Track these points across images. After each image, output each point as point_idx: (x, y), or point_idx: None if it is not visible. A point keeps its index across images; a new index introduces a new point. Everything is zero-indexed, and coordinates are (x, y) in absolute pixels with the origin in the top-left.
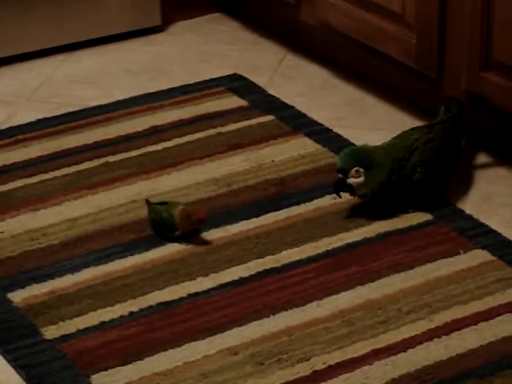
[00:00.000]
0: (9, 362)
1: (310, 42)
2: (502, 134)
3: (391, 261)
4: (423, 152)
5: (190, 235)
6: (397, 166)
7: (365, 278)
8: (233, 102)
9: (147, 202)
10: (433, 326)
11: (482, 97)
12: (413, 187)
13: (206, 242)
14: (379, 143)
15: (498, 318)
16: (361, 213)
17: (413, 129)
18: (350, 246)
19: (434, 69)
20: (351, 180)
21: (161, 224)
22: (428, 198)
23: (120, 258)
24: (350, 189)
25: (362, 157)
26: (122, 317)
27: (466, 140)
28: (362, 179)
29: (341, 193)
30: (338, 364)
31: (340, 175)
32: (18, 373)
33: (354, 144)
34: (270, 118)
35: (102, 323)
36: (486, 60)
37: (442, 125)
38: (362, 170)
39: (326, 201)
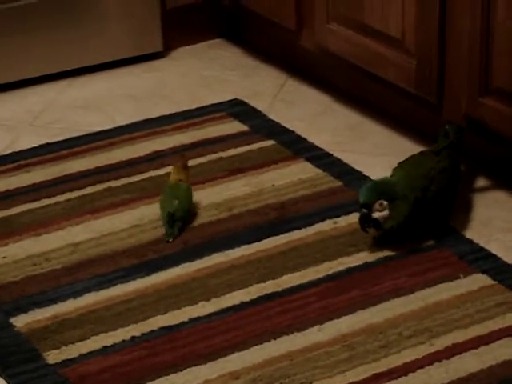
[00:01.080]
0: None
1: (310, 68)
2: (501, 158)
3: (392, 285)
4: (440, 181)
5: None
6: (419, 196)
7: (366, 302)
8: (234, 127)
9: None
10: (433, 350)
11: (481, 122)
12: (429, 215)
13: (208, 267)
14: (379, 167)
15: (499, 342)
16: (361, 237)
17: (421, 155)
18: (350, 271)
19: (433, 94)
20: (376, 214)
21: (172, 210)
22: (439, 224)
23: (122, 282)
24: (376, 223)
25: (385, 190)
26: (123, 341)
27: (466, 164)
28: (386, 212)
29: (367, 228)
30: None
31: (364, 210)
32: None
33: (353, 168)
34: (271, 142)
35: (104, 348)
36: (486, 86)
37: (447, 151)
38: (385, 202)
39: (327, 225)
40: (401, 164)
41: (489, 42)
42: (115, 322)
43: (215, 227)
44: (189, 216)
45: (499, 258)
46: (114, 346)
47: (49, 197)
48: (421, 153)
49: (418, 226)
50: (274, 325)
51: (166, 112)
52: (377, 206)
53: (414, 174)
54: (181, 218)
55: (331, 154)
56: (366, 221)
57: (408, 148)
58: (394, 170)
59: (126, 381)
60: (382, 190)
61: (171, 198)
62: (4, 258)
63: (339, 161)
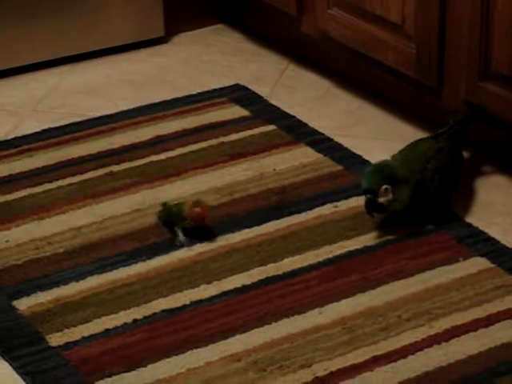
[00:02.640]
0: (14, 369)
1: (311, 53)
2: (500, 143)
3: (391, 268)
4: (437, 160)
5: (200, 236)
6: (419, 178)
7: (365, 285)
8: (235, 112)
9: (163, 204)
10: (433, 333)
11: (481, 106)
12: (429, 196)
13: (209, 250)
14: (379, 152)
15: (497, 325)
16: (361, 221)
17: (419, 140)
18: (351, 254)
19: (433, 79)
20: (381, 199)
21: (170, 216)
22: (441, 206)
23: (124, 266)
24: (381, 208)
25: (388, 174)
26: (125, 324)
27: (466, 149)
28: (390, 196)
29: (373, 213)
30: (339, 370)
31: (369, 195)
32: (23, 379)
33: (354, 153)
34: (272, 127)
35: (107, 330)
36: (485, 70)
37: (446, 135)
38: (389, 187)
39: (327, 209)
40: (401, 151)
41: (488, 27)
42: (117, 305)
43: (216, 211)
44: (167, 224)
45: (498, 242)
46: (116, 328)
47: (51, 181)
48: (419, 139)
49: (420, 208)
50: (275, 307)
51: (168, 97)
52: (382, 191)
53: (412, 156)
54: (159, 217)
55: (332, 139)
56: (372, 206)
57: (408, 132)
58: (393, 156)
59: (127, 363)
60: (385, 174)
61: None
62: (7, 241)
63: (340, 145)
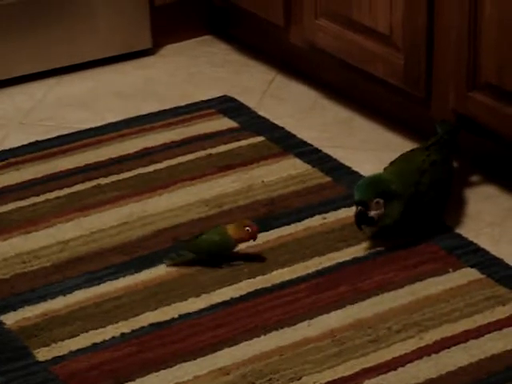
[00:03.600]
0: None
1: (299, 64)
2: (489, 153)
3: (381, 280)
4: (431, 174)
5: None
6: (412, 192)
7: (355, 297)
8: (223, 123)
9: (178, 241)
10: (423, 345)
11: (469, 116)
12: (423, 210)
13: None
14: (368, 163)
15: (487, 336)
16: (350, 232)
17: (411, 151)
18: (340, 266)
19: (421, 89)
20: (372, 213)
21: (218, 246)
22: (433, 219)
23: (111, 279)
24: (371, 221)
25: (382, 188)
26: (113, 338)
27: (455, 159)
28: (382, 210)
29: (362, 226)
30: (328, 383)
31: (360, 208)
32: None
33: (342, 164)
34: (260, 139)
35: (94, 345)
36: (474, 80)
37: (436, 146)
38: (382, 201)
39: (316, 221)
40: (392, 162)
41: (476, 37)
42: (105, 319)
43: (205, 223)
44: (214, 257)
45: (488, 252)
46: (103, 342)
47: (38, 194)
48: (411, 150)
49: (412, 222)
50: (264, 320)
51: (155, 109)
52: (373, 204)
53: (406, 170)
54: (195, 251)
55: (320, 150)
56: (362, 218)
57: (397, 143)
58: (385, 168)
59: (115, 377)
60: (379, 188)
61: (205, 235)
62: None
63: (328, 156)
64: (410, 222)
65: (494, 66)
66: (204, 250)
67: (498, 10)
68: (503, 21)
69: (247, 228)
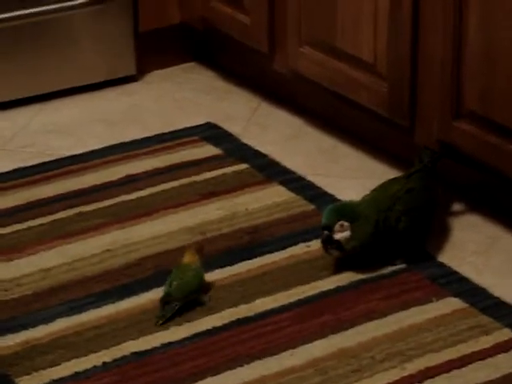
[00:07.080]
0: None
1: (283, 91)
2: (473, 182)
3: (364, 309)
4: (406, 201)
5: None
6: (382, 217)
7: (338, 326)
8: (207, 150)
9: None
10: (406, 374)
11: (453, 145)
12: (398, 237)
13: None
14: (352, 191)
15: (470, 366)
16: (334, 261)
17: (392, 179)
18: (323, 294)
19: (405, 118)
20: (338, 235)
21: (198, 279)
22: (413, 247)
23: (93, 308)
24: (338, 244)
25: (346, 211)
26: (95, 367)
27: (439, 188)
28: (348, 233)
29: (330, 250)
30: None
31: (325, 232)
32: None
33: (326, 192)
34: (244, 166)
35: (76, 374)
36: (457, 109)
37: (418, 174)
38: (346, 223)
39: (300, 249)
40: (372, 190)
41: (460, 66)
42: (86, 348)
43: None
44: (196, 297)
45: (471, 281)
46: (85, 371)
47: (21, 222)
48: (392, 178)
49: (385, 248)
50: (247, 349)
51: (139, 136)
52: (337, 227)
53: (380, 197)
54: (178, 299)
55: (304, 178)
56: (328, 242)
57: (381, 171)
58: (363, 196)
59: None
60: (343, 211)
61: (173, 279)
62: None
63: (312, 184)
64: (382, 248)
65: (477, 94)
66: (187, 291)
67: (482, 39)
68: (486, 50)
69: (196, 248)
